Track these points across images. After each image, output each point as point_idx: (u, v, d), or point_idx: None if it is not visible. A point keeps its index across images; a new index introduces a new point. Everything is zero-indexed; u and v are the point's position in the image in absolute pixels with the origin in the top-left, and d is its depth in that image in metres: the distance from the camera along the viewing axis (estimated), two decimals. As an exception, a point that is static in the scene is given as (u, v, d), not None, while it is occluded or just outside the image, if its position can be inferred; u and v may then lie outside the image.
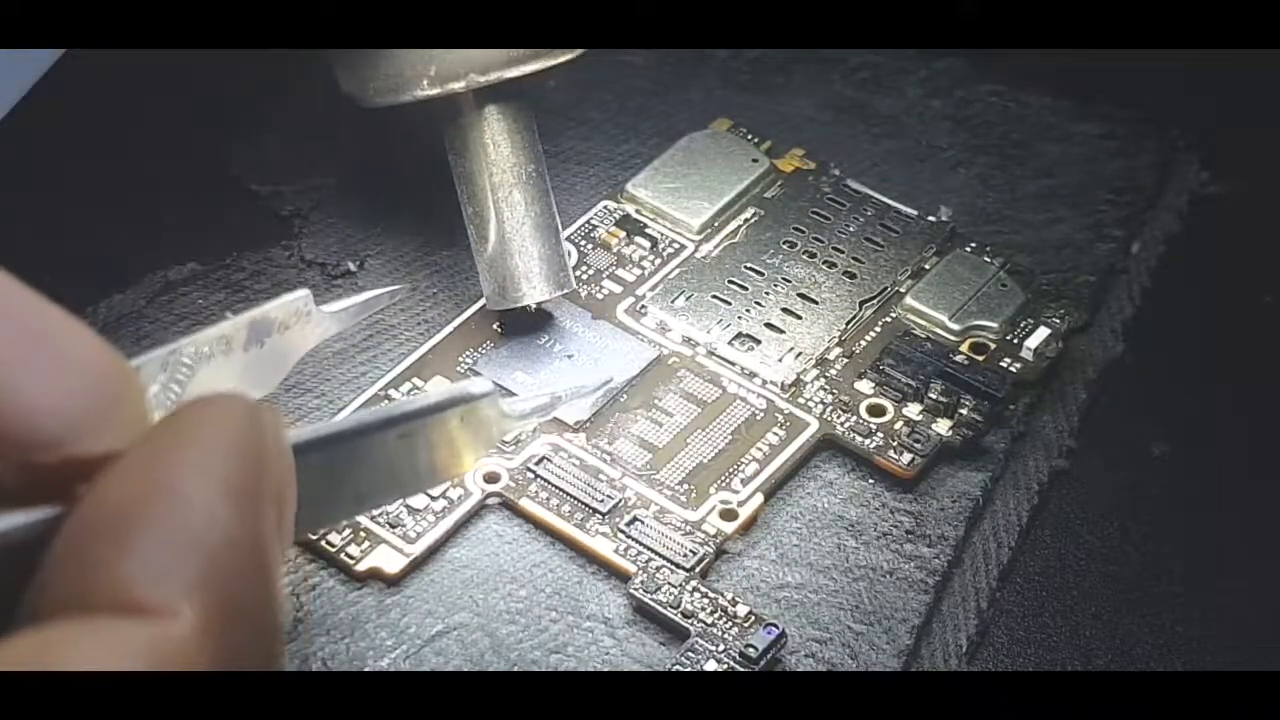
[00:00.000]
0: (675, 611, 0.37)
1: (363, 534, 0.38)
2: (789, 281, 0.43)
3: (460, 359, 0.42)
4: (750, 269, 0.44)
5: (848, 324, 0.42)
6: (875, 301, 0.43)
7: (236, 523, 0.23)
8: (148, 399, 0.24)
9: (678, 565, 0.38)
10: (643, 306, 0.43)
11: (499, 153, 0.41)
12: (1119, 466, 0.41)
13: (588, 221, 0.45)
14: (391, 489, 0.31)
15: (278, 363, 0.33)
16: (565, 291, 0.42)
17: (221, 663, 0.22)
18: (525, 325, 0.43)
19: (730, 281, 0.43)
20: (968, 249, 0.44)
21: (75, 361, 0.23)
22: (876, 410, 0.41)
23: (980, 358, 0.42)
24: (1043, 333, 0.42)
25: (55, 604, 0.22)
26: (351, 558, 0.38)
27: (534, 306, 0.42)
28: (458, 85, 0.41)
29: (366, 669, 0.36)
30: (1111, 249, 0.45)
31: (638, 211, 0.45)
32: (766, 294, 0.43)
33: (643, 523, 0.38)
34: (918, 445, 0.40)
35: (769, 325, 0.42)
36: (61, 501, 0.23)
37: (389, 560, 0.38)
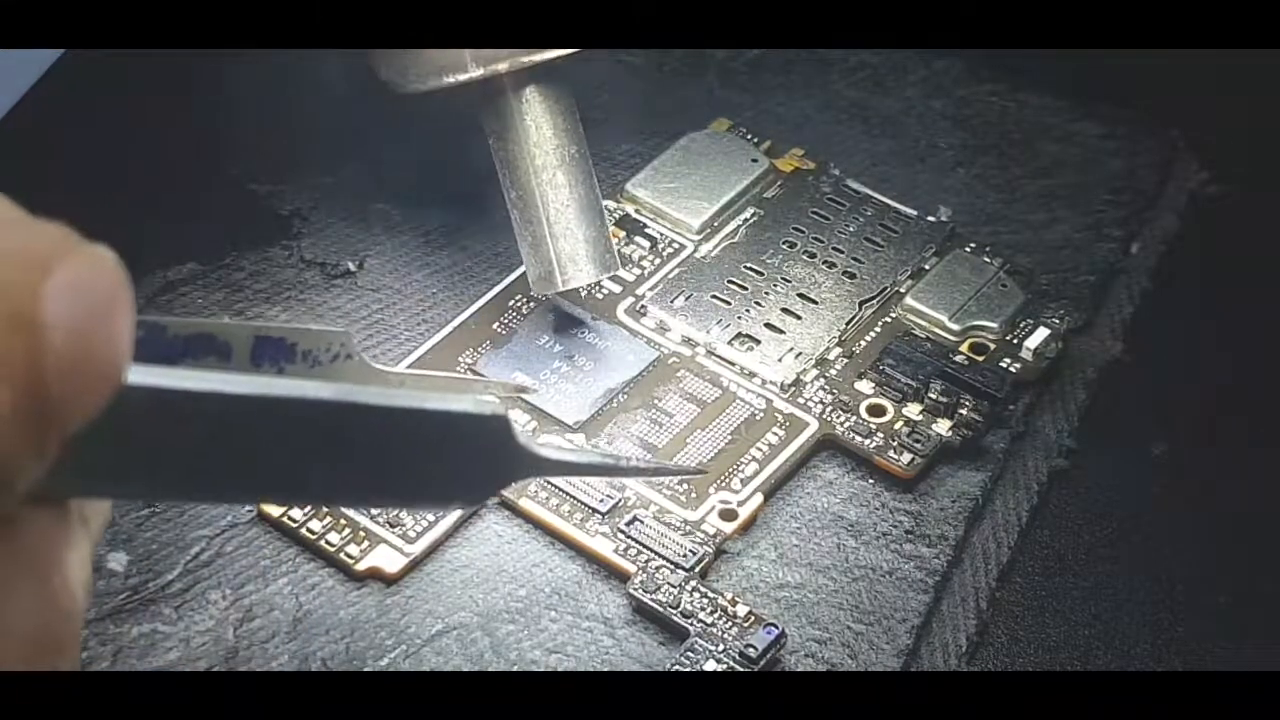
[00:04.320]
0: (675, 611, 0.37)
1: (362, 534, 0.38)
2: (789, 281, 0.43)
3: (460, 359, 0.42)
4: (750, 269, 0.44)
5: (848, 324, 0.42)
6: (875, 301, 0.43)
7: None
8: None
9: (677, 565, 0.38)
10: (642, 306, 0.43)
11: (541, 135, 0.41)
12: (1119, 466, 0.41)
13: (588, 221, 0.45)
14: (364, 491, 0.25)
15: None
16: (611, 274, 0.42)
17: None
18: (525, 326, 0.43)
19: (730, 281, 0.43)
20: (967, 249, 0.44)
21: None
22: (876, 410, 0.41)
23: (980, 358, 0.42)
24: (1042, 333, 0.42)
25: None
26: (351, 558, 0.38)
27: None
28: (501, 66, 0.40)
29: (366, 669, 0.36)
30: (1111, 249, 0.45)
31: (637, 211, 0.45)
32: (766, 294, 0.43)
33: (642, 523, 0.38)
34: (918, 445, 0.40)
35: (769, 325, 0.42)
36: None
37: (389, 560, 0.38)
